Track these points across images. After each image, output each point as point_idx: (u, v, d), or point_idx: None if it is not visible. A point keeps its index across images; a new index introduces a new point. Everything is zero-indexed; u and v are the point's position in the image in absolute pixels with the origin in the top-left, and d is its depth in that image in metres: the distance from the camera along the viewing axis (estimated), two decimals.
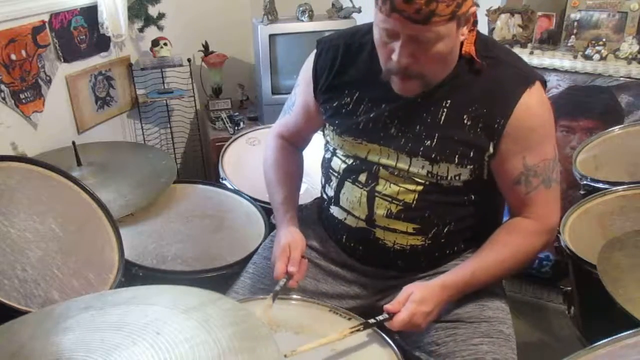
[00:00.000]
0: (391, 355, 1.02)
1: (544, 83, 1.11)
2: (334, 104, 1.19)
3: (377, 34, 1.04)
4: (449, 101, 1.09)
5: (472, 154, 1.09)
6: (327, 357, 1.01)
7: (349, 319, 1.11)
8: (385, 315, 1.05)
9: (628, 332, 0.80)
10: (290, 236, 1.20)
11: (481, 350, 1.07)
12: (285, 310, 1.13)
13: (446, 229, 1.16)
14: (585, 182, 1.58)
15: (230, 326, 0.76)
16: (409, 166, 1.12)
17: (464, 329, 1.11)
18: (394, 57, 1.01)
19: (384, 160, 1.14)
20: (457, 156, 1.09)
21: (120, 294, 0.91)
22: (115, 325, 0.80)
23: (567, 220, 1.41)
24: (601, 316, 1.25)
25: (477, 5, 1.05)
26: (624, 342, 0.80)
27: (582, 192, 1.57)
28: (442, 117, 1.09)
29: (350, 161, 1.19)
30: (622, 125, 1.82)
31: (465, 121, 1.08)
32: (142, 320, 0.79)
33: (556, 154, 1.14)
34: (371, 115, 1.14)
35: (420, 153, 1.10)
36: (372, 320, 1.05)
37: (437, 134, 1.10)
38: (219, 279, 1.44)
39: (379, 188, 1.15)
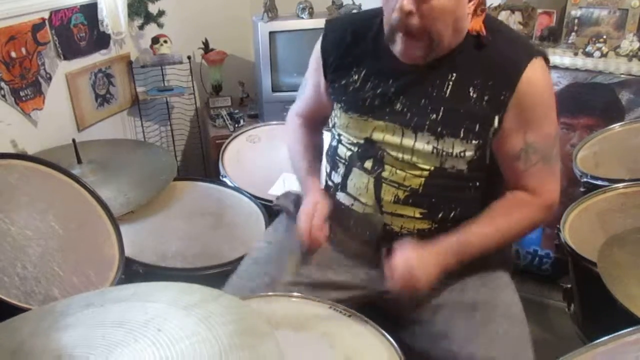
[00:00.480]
0: (392, 354, 1.02)
1: (547, 60, 1.13)
2: (342, 82, 1.21)
3: None
4: (454, 74, 1.10)
5: (477, 128, 1.10)
6: (327, 356, 1.02)
7: (349, 315, 1.11)
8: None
9: (628, 330, 0.80)
10: (318, 198, 1.20)
11: (500, 332, 1.09)
12: (286, 309, 1.13)
13: (452, 214, 1.17)
14: (585, 180, 1.58)
15: (231, 323, 0.76)
16: (414, 142, 1.12)
17: (481, 312, 1.13)
18: (397, 4, 1.02)
19: (388, 138, 1.15)
20: (462, 130, 1.09)
21: (120, 291, 0.91)
22: (116, 322, 0.80)
23: (567, 217, 1.42)
24: (601, 313, 1.26)
25: None
26: (624, 340, 0.80)
27: (582, 189, 1.58)
28: (448, 90, 1.10)
29: (355, 149, 1.20)
30: (622, 123, 1.82)
31: (471, 94, 1.09)
32: (143, 317, 0.79)
33: (557, 131, 1.15)
34: (378, 91, 1.16)
35: (426, 127, 1.11)
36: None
37: (442, 107, 1.10)
38: (219, 276, 1.44)
39: (385, 174, 1.16)
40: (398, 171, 1.15)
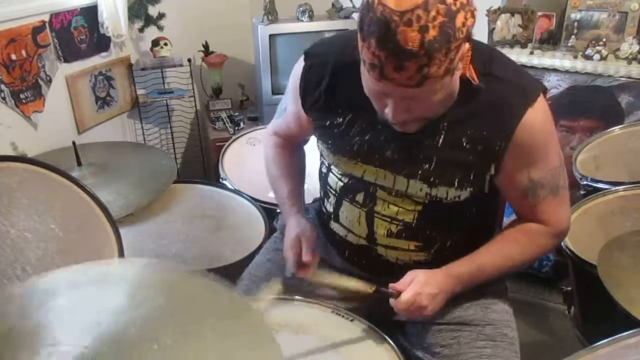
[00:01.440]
0: (392, 355, 1.02)
1: (545, 92, 1.06)
2: (326, 124, 1.14)
3: (366, 87, 0.96)
4: (446, 124, 1.03)
5: (472, 176, 1.05)
6: (328, 356, 1.01)
7: (352, 320, 1.11)
8: (394, 292, 1.04)
9: (628, 332, 0.80)
10: (299, 227, 1.16)
11: (485, 353, 1.07)
12: (287, 311, 1.13)
13: (449, 243, 1.15)
14: (585, 182, 1.58)
15: (227, 319, 0.76)
16: (407, 188, 1.08)
17: (468, 331, 1.11)
18: (389, 114, 0.96)
19: (380, 181, 1.11)
20: (456, 180, 1.05)
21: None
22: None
23: None
24: (601, 316, 1.25)
25: (473, 17, 0.88)
26: (624, 342, 0.79)
27: (582, 192, 1.58)
28: (440, 141, 1.04)
29: (346, 180, 1.16)
30: (622, 126, 1.83)
31: (465, 144, 1.03)
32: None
33: (561, 159, 1.10)
34: (366, 138, 1.09)
35: (419, 176, 1.06)
36: (381, 288, 1.05)
37: (435, 158, 1.05)
38: (219, 278, 1.43)
39: (377, 208, 1.12)
40: (391, 205, 1.11)
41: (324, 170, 1.24)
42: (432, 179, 1.06)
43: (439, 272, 1.07)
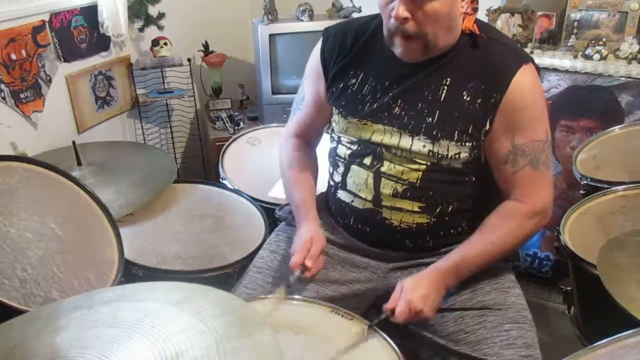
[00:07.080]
0: (392, 355, 1.02)
1: (536, 67, 1.17)
2: (340, 85, 1.25)
3: None
4: (448, 79, 1.15)
5: (470, 129, 1.14)
6: (328, 358, 1.01)
7: (351, 319, 1.11)
8: (388, 313, 1.07)
9: (628, 332, 0.80)
10: (313, 231, 1.22)
11: (512, 335, 1.09)
12: (287, 311, 1.13)
13: (450, 208, 1.20)
14: (585, 182, 1.58)
15: (224, 315, 0.76)
16: (411, 145, 1.16)
17: (492, 315, 1.13)
18: (393, 12, 1.07)
19: (387, 140, 1.19)
20: (456, 132, 1.14)
21: (108, 293, 0.90)
22: (108, 322, 0.79)
23: (567, 220, 1.41)
24: (601, 316, 1.25)
25: None
26: (624, 342, 0.80)
27: (582, 192, 1.57)
28: (443, 95, 1.15)
29: (354, 147, 1.24)
30: (622, 125, 1.83)
31: (465, 97, 1.14)
32: (135, 315, 0.79)
33: (548, 137, 1.17)
34: (376, 96, 1.20)
35: (422, 131, 1.15)
36: (375, 321, 1.07)
37: (438, 111, 1.15)
38: (219, 278, 1.44)
39: (383, 169, 1.20)
40: (396, 165, 1.18)
41: (334, 145, 1.31)
42: (434, 132, 1.15)
43: (426, 272, 1.12)
